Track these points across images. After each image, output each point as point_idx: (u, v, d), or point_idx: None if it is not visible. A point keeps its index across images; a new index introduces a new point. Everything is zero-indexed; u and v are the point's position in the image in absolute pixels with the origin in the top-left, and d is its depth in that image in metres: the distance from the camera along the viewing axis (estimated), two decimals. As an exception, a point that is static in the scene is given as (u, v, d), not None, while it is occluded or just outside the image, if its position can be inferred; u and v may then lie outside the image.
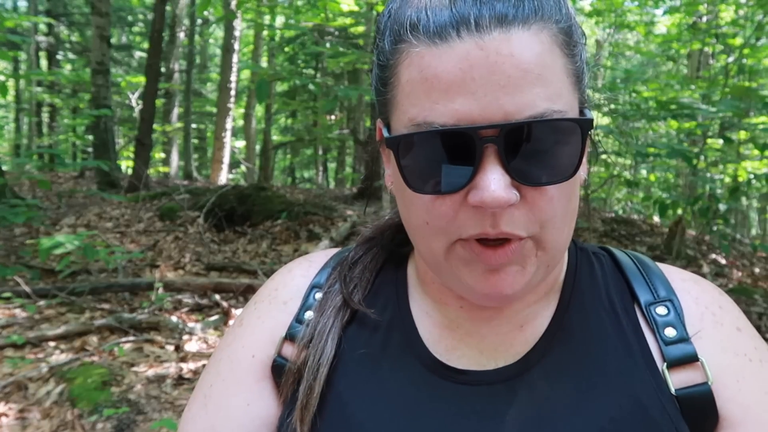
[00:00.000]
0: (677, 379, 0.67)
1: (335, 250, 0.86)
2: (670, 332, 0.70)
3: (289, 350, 0.75)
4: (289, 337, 0.75)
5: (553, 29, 0.60)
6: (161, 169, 15.64)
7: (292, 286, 0.81)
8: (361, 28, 8.93)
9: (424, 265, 0.74)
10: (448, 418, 0.67)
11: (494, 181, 0.57)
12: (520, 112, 0.56)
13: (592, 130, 0.66)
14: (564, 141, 0.59)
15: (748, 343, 0.71)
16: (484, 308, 0.72)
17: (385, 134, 0.65)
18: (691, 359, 0.68)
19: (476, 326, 0.73)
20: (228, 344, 0.78)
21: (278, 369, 0.74)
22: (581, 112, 0.64)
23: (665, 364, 0.68)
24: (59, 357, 3.68)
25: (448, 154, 0.58)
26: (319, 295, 0.78)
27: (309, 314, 0.76)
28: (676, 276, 0.76)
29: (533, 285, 0.65)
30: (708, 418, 0.67)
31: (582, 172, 0.65)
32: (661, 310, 0.72)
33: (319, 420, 0.69)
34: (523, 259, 0.62)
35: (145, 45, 13.87)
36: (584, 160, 0.66)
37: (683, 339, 0.69)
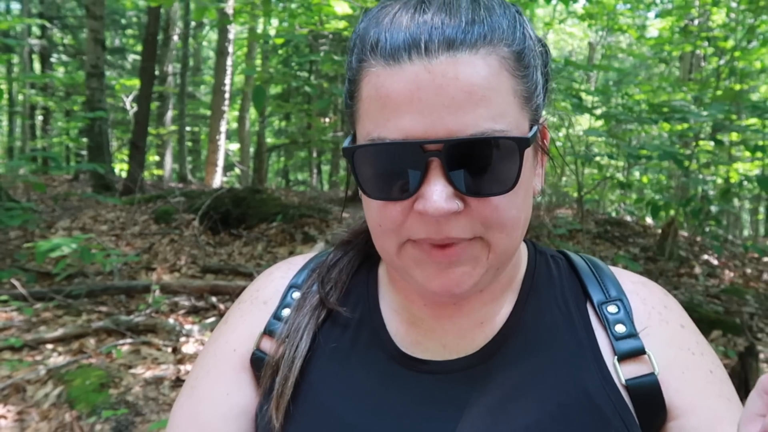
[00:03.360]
0: (627, 371, 0.74)
1: (314, 254, 0.93)
2: (620, 328, 0.77)
3: (267, 345, 0.81)
4: (268, 332, 0.82)
5: (503, 52, 0.65)
6: (155, 171, 15.61)
7: (272, 288, 0.88)
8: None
9: None
10: (409, 404, 0.74)
11: (437, 192, 0.63)
12: (462, 130, 0.62)
13: (548, 146, 0.75)
14: (504, 157, 0.64)
15: (690, 339, 0.78)
16: (444, 306, 0.79)
17: (344, 144, 0.72)
18: (639, 353, 0.75)
19: (439, 323, 0.79)
20: (214, 340, 0.86)
21: (257, 362, 0.81)
22: (531, 128, 0.69)
23: (616, 357, 0.75)
24: (57, 359, 3.69)
25: (398, 165, 0.65)
26: (296, 295, 0.85)
27: (287, 312, 0.83)
28: (626, 279, 0.84)
29: (483, 285, 0.72)
30: (656, 407, 0.74)
31: (537, 184, 0.74)
32: (612, 308, 0.79)
33: (293, 407, 0.75)
34: (474, 260, 0.68)
35: (139, 48, 13.85)
36: (539, 172, 0.75)
37: (632, 334, 0.76)
